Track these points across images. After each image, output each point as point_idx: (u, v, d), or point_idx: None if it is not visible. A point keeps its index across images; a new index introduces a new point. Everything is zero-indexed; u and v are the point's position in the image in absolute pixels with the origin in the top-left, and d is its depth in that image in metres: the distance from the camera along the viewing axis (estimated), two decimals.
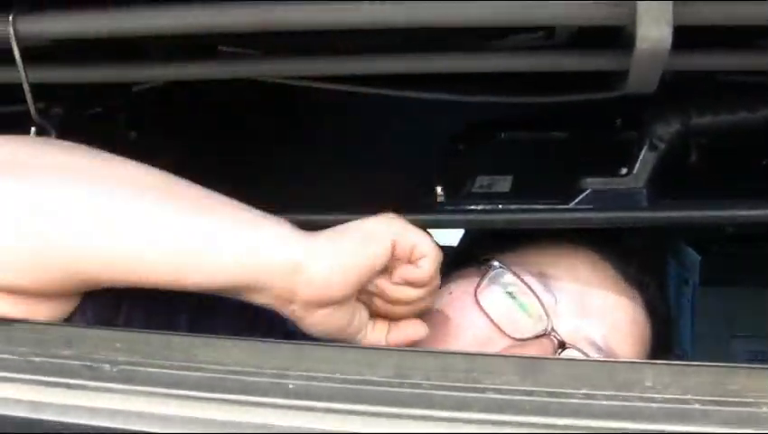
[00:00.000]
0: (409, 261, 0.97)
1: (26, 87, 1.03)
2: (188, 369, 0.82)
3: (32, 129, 1.07)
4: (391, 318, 1.02)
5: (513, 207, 1.06)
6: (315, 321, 0.95)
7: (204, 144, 1.51)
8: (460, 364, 0.78)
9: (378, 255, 0.94)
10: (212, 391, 0.79)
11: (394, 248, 0.95)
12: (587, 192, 1.05)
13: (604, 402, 0.74)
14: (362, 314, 1.00)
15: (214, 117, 1.52)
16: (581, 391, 0.75)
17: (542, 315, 1.10)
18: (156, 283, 0.92)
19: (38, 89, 1.06)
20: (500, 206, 1.08)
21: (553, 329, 1.09)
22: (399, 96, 1.22)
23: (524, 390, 0.76)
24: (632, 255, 1.21)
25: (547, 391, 0.75)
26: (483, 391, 0.76)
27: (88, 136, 1.31)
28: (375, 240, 0.95)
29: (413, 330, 1.02)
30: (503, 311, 1.12)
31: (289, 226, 0.95)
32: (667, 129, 1.06)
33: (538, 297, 1.11)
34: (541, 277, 1.13)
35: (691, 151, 1.13)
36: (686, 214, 1.01)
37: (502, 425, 0.73)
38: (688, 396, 0.74)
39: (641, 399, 0.74)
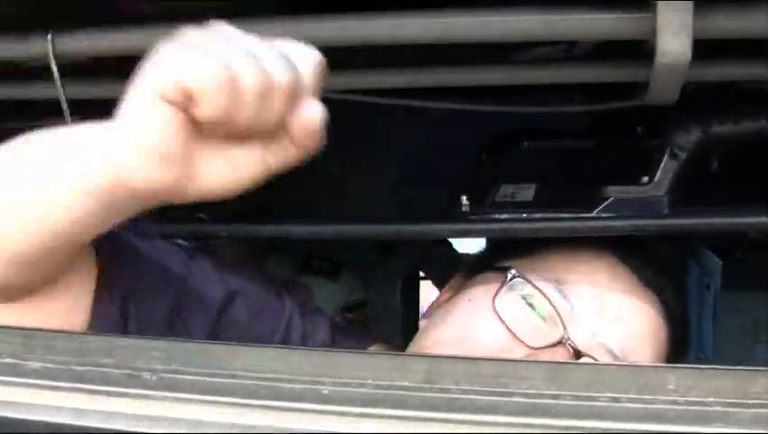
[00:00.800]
0: None
1: (63, 103, 1.05)
2: (225, 376, 0.84)
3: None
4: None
5: (537, 216, 1.08)
6: (194, 186, 0.84)
7: None
8: (488, 370, 0.80)
9: (154, 119, 0.76)
10: (249, 397, 0.81)
11: (167, 98, 0.75)
12: (610, 200, 1.07)
13: (628, 405, 0.76)
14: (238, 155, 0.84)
15: None
16: (605, 395, 0.77)
17: (558, 323, 1.11)
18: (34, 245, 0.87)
19: (73, 104, 1.09)
20: (524, 215, 1.09)
21: (568, 338, 1.09)
22: (424, 107, 1.23)
23: (550, 394, 0.77)
24: (652, 259, 1.21)
25: (572, 395, 0.77)
26: (511, 395, 0.78)
27: None
28: (141, 105, 0.77)
29: (304, 116, 0.82)
30: (520, 319, 1.12)
31: (90, 126, 0.83)
32: (687, 138, 1.08)
33: (553, 305, 1.11)
34: (558, 283, 1.13)
35: (712, 159, 1.14)
36: (707, 221, 1.02)
37: (529, 427, 0.75)
38: (710, 399, 0.76)
39: (664, 401, 0.76)
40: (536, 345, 1.09)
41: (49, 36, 0.98)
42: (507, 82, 1.01)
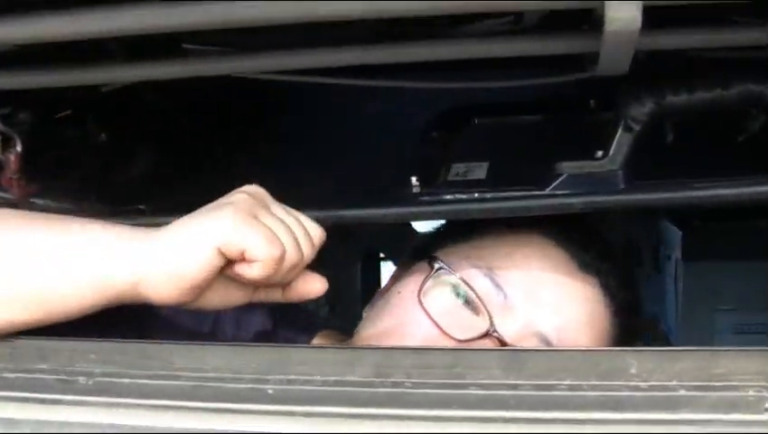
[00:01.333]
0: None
1: None
2: (165, 377, 0.81)
3: None
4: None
5: (490, 196, 1.04)
6: (194, 305, 0.94)
7: (175, 142, 1.49)
8: (442, 361, 0.77)
9: (203, 264, 0.90)
10: (191, 399, 0.78)
11: (223, 253, 0.90)
12: (563, 176, 1.04)
13: (590, 393, 0.73)
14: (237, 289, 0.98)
15: (185, 114, 1.51)
16: (565, 383, 0.74)
17: (485, 314, 1.08)
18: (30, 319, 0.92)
19: (3, 94, 1.04)
20: (476, 195, 1.06)
21: (495, 329, 1.07)
22: (370, 85, 1.20)
23: (507, 384, 0.75)
24: (591, 242, 1.19)
25: (530, 385, 0.75)
26: (466, 387, 0.75)
27: (57, 140, 1.30)
28: (199, 249, 0.90)
29: (307, 288, 1.00)
30: (448, 312, 1.10)
31: (128, 233, 0.95)
32: (641, 110, 1.04)
33: (479, 296, 1.09)
34: (489, 271, 1.11)
35: (666, 131, 1.11)
36: (664, 196, 1.00)
37: (486, 422, 0.72)
38: (674, 382, 0.73)
39: (627, 387, 0.74)
40: (462, 338, 1.07)
41: None
42: (454, 57, 0.97)
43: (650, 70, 1.03)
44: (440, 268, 1.12)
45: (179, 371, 0.81)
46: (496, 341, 1.06)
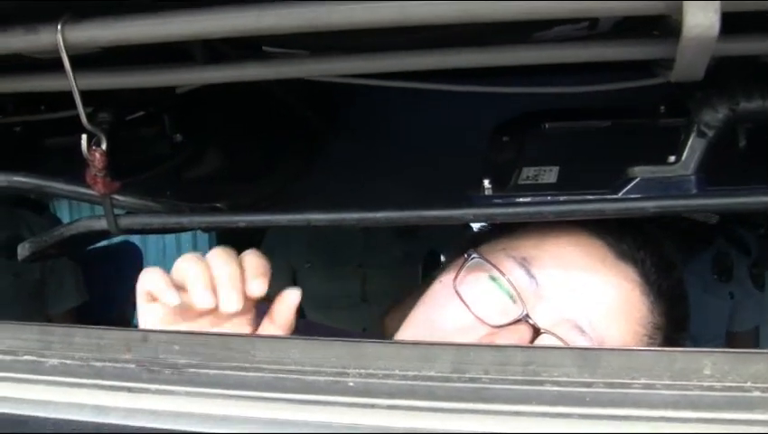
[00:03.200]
0: None
1: (76, 94, 1.04)
2: (247, 369, 0.83)
3: (83, 136, 1.07)
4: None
5: (563, 198, 1.06)
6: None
7: (249, 143, 1.52)
8: (518, 358, 0.78)
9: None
10: (272, 390, 0.80)
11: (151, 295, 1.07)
12: (636, 180, 1.04)
13: (664, 392, 0.74)
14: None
15: (258, 116, 1.53)
16: (639, 381, 0.75)
17: (519, 301, 1.10)
18: None
19: (86, 95, 1.07)
20: (548, 198, 1.07)
21: (527, 316, 1.08)
22: (442, 90, 1.21)
23: (582, 381, 0.76)
24: (628, 232, 1.18)
25: (605, 382, 0.76)
26: (542, 383, 0.76)
27: (134, 140, 1.34)
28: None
29: (285, 304, 1.07)
30: (482, 299, 1.12)
31: None
32: (714, 116, 1.05)
33: (512, 284, 1.10)
34: (523, 261, 1.13)
35: (739, 136, 1.12)
36: (737, 201, 1.00)
37: (563, 417, 0.73)
38: (748, 384, 0.74)
39: (701, 387, 0.74)
40: (496, 324, 1.09)
41: (59, 26, 0.96)
42: (530, 62, 0.99)
43: (723, 74, 1.04)
44: (474, 258, 1.14)
45: (260, 363, 0.83)
46: (529, 327, 1.07)
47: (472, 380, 0.77)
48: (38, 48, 0.98)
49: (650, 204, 1.00)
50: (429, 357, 0.79)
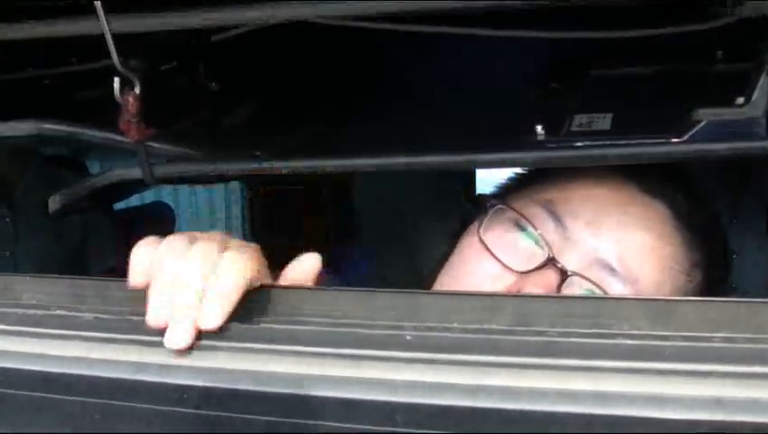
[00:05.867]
0: None
1: (108, 36, 0.99)
2: (295, 322, 0.78)
3: (116, 80, 1.03)
4: None
5: (624, 142, 1.00)
6: None
7: (285, 91, 1.47)
8: (585, 309, 0.73)
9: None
10: (322, 345, 0.75)
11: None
12: (702, 123, 0.98)
13: (748, 346, 0.68)
14: None
15: (294, 64, 1.48)
16: (719, 335, 0.70)
17: (545, 245, 1.08)
18: None
19: (116, 43, 1.02)
20: (608, 142, 1.02)
21: (553, 259, 1.06)
22: (488, 35, 1.16)
23: (657, 334, 0.70)
24: (654, 169, 1.15)
25: (681, 336, 0.70)
26: (613, 337, 0.70)
27: (169, 88, 1.29)
28: None
29: (303, 265, 0.91)
30: (508, 246, 1.11)
31: None
32: None
33: (537, 228, 1.09)
34: (548, 204, 1.11)
35: None
36: None
37: (639, 373, 0.68)
38: None
39: None
40: (522, 270, 1.07)
41: None
42: (573, 3, 0.93)
43: None
44: (498, 206, 1.13)
45: (309, 316, 0.78)
46: (557, 271, 1.05)
47: (538, 333, 0.71)
48: None
49: (722, 146, 0.94)
50: (491, 309, 0.74)
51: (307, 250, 0.92)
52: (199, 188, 4.00)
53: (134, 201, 2.82)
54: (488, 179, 1.43)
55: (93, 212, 1.66)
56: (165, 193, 3.74)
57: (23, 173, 1.76)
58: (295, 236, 3.45)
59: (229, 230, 3.97)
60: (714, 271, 1.17)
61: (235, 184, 4.05)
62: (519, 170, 1.28)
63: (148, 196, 3.06)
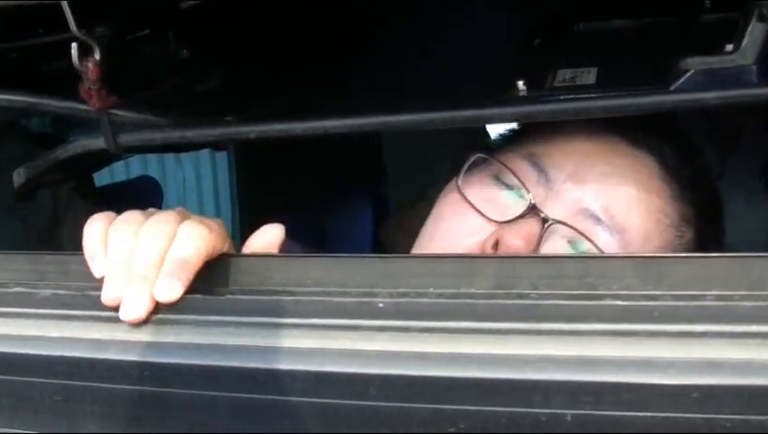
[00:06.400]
0: None
1: (64, 2, 0.94)
2: (262, 293, 0.74)
3: (74, 46, 0.98)
4: None
5: (610, 94, 0.95)
6: None
7: (259, 59, 1.43)
8: (571, 270, 0.69)
9: None
10: (291, 316, 0.71)
11: None
12: (690, 73, 0.94)
13: (744, 303, 0.64)
14: None
15: (266, 29, 1.44)
16: (712, 293, 0.65)
17: (526, 194, 1.05)
18: None
19: (80, 11, 0.98)
20: (593, 95, 0.97)
21: (534, 206, 1.03)
22: None
23: (647, 294, 0.66)
24: (641, 122, 1.09)
25: (672, 295, 0.66)
26: (601, 298, 0.66)
27: (137, 57, 1.24)
28: None
29: (266, 236, 0.87)
30: (488, 197, 1.08)
31: None
32: None
33: (517, 176, 1.06)
34: (531, 156, 1.08)
35: None
36: None
37: (629, 336, 0.64)
38: None
39: None
40: (502, 219, 1.04)
41: None
42: None
43: None
44: (479, 156, 1.11)
45: (276, 286, 0.74)
46: (539, 220, 1.02)
47: (519, 296, 0.67)
48: None
49: (711, 95, 0.89)
50: (469, 272, 0.70)
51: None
52: (186, 161, 3.97)
53: (120, 177, 2.78)
54: None
55: (68, 191, 1.62)
56: (152, 169, 3.71)
57: None
58: (285, 201, 3.41)
59: (217, 199, 3.93)
60: (706, 228, 1.13)
61: (223, 155, 4.03)
62: (508, 127, 1.25)
63: (134, 172, 3.04)
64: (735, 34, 0.96)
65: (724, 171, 2.59)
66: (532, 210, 1.03)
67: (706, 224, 1.14)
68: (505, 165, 1.07)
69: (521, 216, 1.03)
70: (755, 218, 2.32)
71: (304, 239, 1.29)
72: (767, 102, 0.90)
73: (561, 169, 1.06)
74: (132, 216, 0.83)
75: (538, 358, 0.64)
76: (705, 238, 1.13)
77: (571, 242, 1.02)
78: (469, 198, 1.07)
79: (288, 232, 0.92)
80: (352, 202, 3.49)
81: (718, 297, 0.65)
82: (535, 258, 0.81)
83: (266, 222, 0.88)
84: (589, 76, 1.09)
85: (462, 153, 1.15)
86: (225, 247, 0.80)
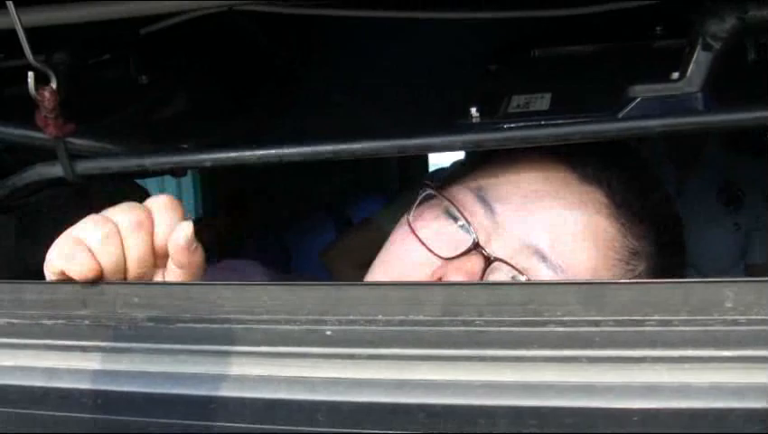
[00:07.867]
0: None
1: (20, 30, 0.95)
2: (214, 321, 0.74)
3: (30, 74, 0.98)
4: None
5: (560, 121, 0.97)
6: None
7: (217, 84, 1.43)
8: (516, 296, 0.70)
9: None
10: (241, 343, 0.72)
11: None
12: (637, 100, 0.96)
13: (682, 328, 0.66)
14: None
15: (227, 56, 1.45)
16: (653, 318, 0.67)
17: (471, 231, 1.05)
18: None
19: (39, 37, 0.99)
20: (542, 123, 0.99)
21: (477, 244, 1.03)
22: (422, 18, 1.13)
23: (589, 320, 0.67)
24: (592, 152, 1.10)
25: (614, 320, 0.67)
26: (544, 324, 0.67)
27: (98, 83, 1.25)
28: None
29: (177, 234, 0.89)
30: (437, 232, 1.07)
31: None
32: (721, 26, 0.95)
33: (462, 214, 1.05)
34: (478, 190, 1.08)
35: (749, 49, 1.03)
36: (749, 116, 0.91)
37: (570, 361, 0.65)
38: None
39: (723, 322, 0.66)
40: (447, 256, 1.03)
41: None
42: None
43: None
44: (428, 193, 1.10)
45: (227, 313, 0.74)
46: (481, 257, 1.02)
47: (465, 323, 0.68)
48: None
49: (655, 123, 0.91)
50: (416, 299, 0.71)
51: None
52: (151, 182, 3.97)
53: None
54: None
55: (31, 216, 1.62)
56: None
57: None
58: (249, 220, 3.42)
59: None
60: (663, 259, 1.13)
61: (187, 179, 4.02)
62: (461, 157, 1.25)
63: None
64: (681, 62, 0.98)
65: (683, 189, 2.62)
66: (476, 247, 1.03)
67: (662, 255, 1.13)
68: (451, 202, 1.07)
69: (466, 252, 1.03)
70: (717, 236, 2.35)
71: (268, 257, 1.30)
72: (711, 129, 0.92)
73: (508, 203, 1.06)
74: (94, 215, 0.89)
75: (483, 384, 0.65)
76: (663, 268, 1.12)
77: (514, 279, 1.02)
78: (418, 232, 1.07)
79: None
80: (316, 221, 3.51)
81: (659, 322, 0.66)
82: (480, 285, 0.82)
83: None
84: (543, 102, 1.10)
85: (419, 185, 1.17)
86: None
